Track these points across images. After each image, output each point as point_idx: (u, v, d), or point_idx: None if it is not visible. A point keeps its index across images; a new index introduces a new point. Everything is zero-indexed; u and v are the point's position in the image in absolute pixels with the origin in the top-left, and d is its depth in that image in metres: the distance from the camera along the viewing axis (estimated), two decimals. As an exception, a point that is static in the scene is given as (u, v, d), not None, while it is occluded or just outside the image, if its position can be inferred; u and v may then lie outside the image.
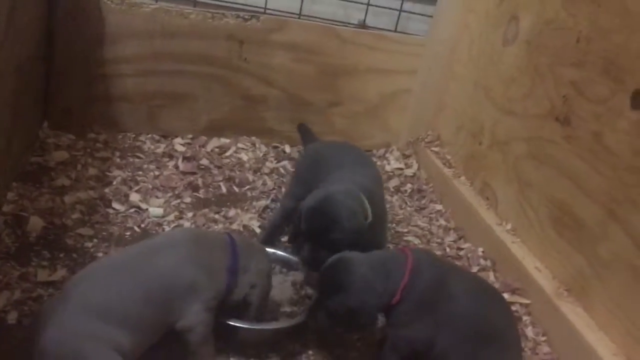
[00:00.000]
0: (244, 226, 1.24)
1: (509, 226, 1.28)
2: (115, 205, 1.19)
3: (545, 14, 1.21)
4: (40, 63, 1.32)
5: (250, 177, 1.42)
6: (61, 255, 1.02)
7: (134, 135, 1.47)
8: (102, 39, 1.39)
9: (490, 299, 0.91)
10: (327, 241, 0.96)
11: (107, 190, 1.23)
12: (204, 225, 1.20)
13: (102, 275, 0.79)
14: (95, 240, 1.08)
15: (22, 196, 1.13)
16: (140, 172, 1.33)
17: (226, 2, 1.60)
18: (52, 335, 0.71)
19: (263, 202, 1.33)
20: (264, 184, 1.41)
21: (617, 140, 0.99)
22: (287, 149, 1.59)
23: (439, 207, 1.48)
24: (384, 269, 0.87)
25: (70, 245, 1.05)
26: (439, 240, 1.35)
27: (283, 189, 1.38)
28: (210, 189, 1.34)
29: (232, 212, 1.27)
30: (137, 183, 1.28)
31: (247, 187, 1.38)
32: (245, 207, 1.30)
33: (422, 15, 1.68)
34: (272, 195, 1.37)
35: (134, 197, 1.22)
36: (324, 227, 0.97)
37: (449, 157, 1.57)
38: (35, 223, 1.06)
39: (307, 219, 0.99)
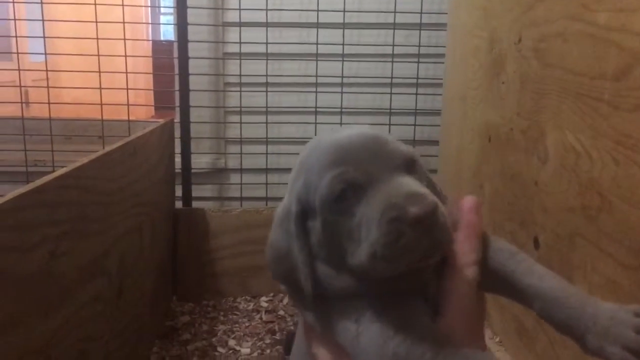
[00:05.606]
0: (307, 357, 1.75)
1: None
2: (220, 349, 1.76)
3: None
4: (169, 258, 2.01)
5: (314, 320, 1.95)
6: (186, 385, 1.59)
7: (232, 299, 2.09)
8: (208, 235, 2.08)
9: None
10: None
11: (214, 339, 1.81)
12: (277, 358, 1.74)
13: None
14: (206, 374, 1.65)
15: (161, 348, 1.74)
16: (237, 325, 1.92)
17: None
18: None
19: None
20: (323, 324, 1.93)
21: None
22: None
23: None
24: None
25: (191, 378, 1.62)
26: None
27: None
28: (284, 332, 1.88)
29: (298, 347, 1.79)
30: (233, 332, 1.86)
31: (311, 328, 1.91)
32: (309, 343, 1.82)
33: None
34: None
35: (231, 343, 1.79)
36: None
37: None
38: (170, 365, 1.66)
39: None
